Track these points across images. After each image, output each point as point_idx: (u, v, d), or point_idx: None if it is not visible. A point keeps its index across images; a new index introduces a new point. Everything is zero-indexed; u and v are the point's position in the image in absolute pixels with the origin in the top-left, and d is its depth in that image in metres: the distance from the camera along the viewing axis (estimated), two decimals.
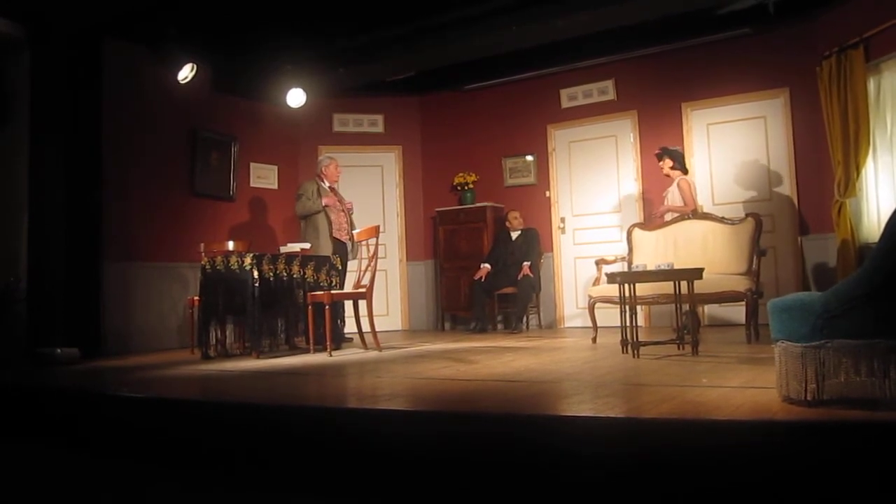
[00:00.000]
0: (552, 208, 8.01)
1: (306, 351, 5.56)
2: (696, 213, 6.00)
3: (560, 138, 8.04)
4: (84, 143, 6.05)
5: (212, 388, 4.04)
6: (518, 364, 4.34)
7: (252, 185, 7.85)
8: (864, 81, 5.85)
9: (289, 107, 7.39)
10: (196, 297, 5.79)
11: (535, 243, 7.61)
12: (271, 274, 5.41)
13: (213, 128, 7.38)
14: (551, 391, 3.30)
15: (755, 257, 5.44)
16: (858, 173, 5.89)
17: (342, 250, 6.47)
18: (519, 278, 7.38)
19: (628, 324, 4.60)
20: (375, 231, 5.66)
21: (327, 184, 6.63)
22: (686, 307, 4.84)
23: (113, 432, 3.47)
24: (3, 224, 6.15)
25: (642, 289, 4.88)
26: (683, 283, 4.57)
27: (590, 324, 5.79)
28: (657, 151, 6.33)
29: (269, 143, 8.01)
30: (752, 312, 5.14)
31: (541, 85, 8.06)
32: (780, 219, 6.83)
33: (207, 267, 5.53)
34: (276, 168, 8.10)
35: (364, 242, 5.84)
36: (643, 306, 6.19)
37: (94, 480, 3.06)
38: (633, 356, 4.40)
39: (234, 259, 5.39)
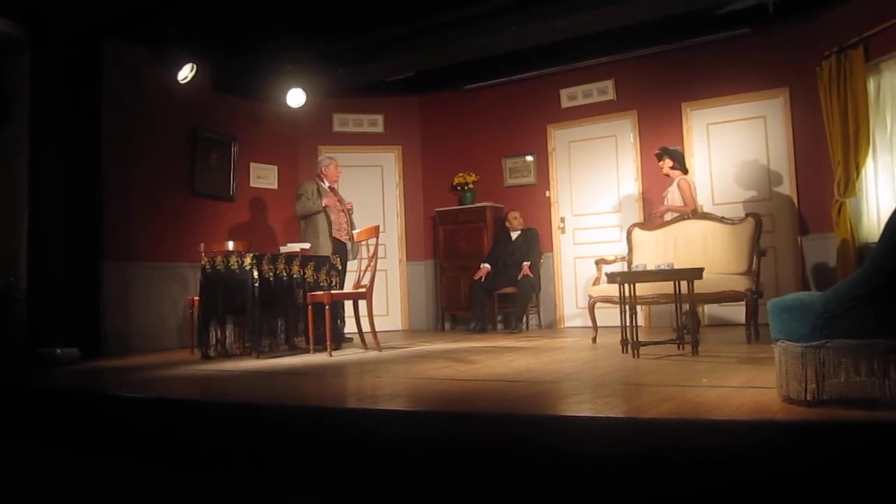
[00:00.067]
0: (552, 208, 8.01)
1: (306, 351, 5.56)
2: (695, 213, 6.00)
3: (560, 138, 8.04)
4: (84, 143, 6.06)
5: (212, 388, 4.04)
6: (518, 364, 4.34)
7: (252, 185, 7.85)
8: (864, 81, 5.85)
9: (289, 107, 7.39)
10: (196, 297, 5.79)
11: (535, 243, 7.61)
12: (271, 274, 5.41)
13: (213, 128, 7.38)
14: (551, 391, 3.30)
15: (755, 257, 5.44)
16: (858, 173, 5.89)
17: (342, 250, 6.48)
18: (519, 278, 7.38)
19: (628, 324, 4.60)
20: (375, 231, 5.66)
21: (327, 184, 6.63)
22: (686, 307, 4.84)
23: (113, 432, 3.47)
24: (3, 224, 6.15)
25: (642, 289, 4.88)
26: (683, 283, 4.57)
27: (590, 324, 5.79)
28: (657, 151, 6.33)
29: (269, 143, 8.01)
30: (751, 312, 5.14)
31: (541, 85, 8.06)
32: (780, 219, 6.83)
33: (207, 267, 5.53)
34: (276, 168, 8.10)
35: (364, 242, 5.84)
36: (643, 306, 6.19)
37: (94, 480, 3.06)
38: (633, 356, 4.40)
39: (234, 259, 5.39)
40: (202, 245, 6.45)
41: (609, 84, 7.70)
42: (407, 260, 8.64)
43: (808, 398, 2.40)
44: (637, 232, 6.16)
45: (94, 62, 6.19)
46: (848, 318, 2.35)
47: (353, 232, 6.34)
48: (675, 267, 4.78)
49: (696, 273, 4.51)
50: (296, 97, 7.29)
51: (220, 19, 6.27)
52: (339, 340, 5.90)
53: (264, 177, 7.99)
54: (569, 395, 3.15)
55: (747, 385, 3.04)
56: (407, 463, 2.61)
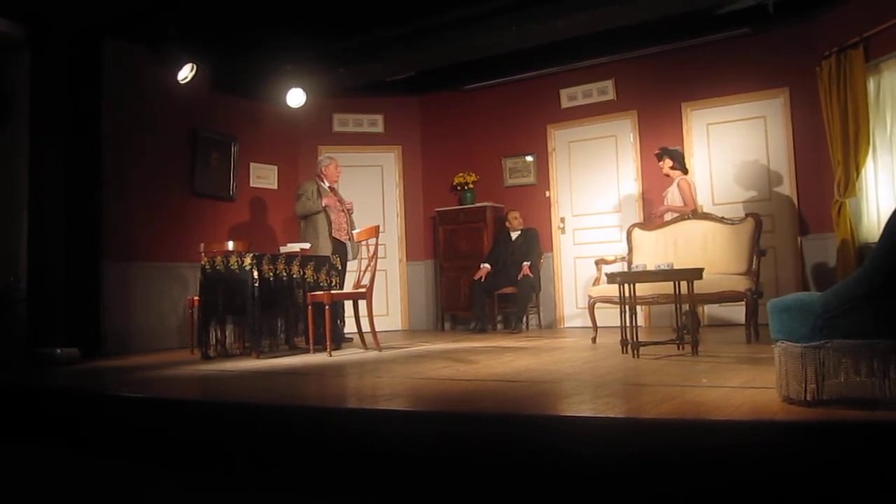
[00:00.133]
0: (552, 208, 8.01)
1: (306, 351, 5.56)
2: (695, 213, 6.00)
3: (560, 138, 8.04)
4: (84, 143, 6.06)
5: (212, 388, 4.04)
6: (518, 364, 4.34)
7: (252, 185, 7.85)
8: (864, 81, 5.85)
9: (289, 107, 7.39)
10: (196, 297, 5.79)
11: (535, 243, 7.61)
12: (271, 274, 5.41)
13: (213, 128, 7.38)
14: (551, 391, 3.30)
15: (755, 257, 5.44)
16: (858, 173, 5.89)
17: (342, 250, 6.47)
18: (519, 278, 7.38)
19: (628, 324, 4.60)
20: (375, 231, 5.66)
21: (327, 184, 6.63)
22: (686, 307, 4.84)
23: (113, 432, 3.47)
24: (3, 224, 6.15)
25: (642, 289, 4.88)
26: (683, 283, 4.57)
27: (590, 324, 5.79)
28: (657, 151, 6.33)
29: (269, 143, 8.01)
30: (751, 312, 5.14)
31: (541, 85, 8.06)
32: (780, 219, 6.83)
33: (207, 267, 5.53)
34: (275, 168, 8.10)
35: (364, 242, 5.84)
36: (643, 306, 6.19)
37: (94, 480, 3.06)
38: (633, 356, 4.40)
39: (233, 259, 5.39)
40: (202, 245, 6.45)
41: (609, 84, 7.70)
42: (407, 260, 8.64)
43: (808, 398, 2.40)
44: (637, 232, 6.16)
45: (94, 62, 6.19)
46: (848, 318, 2.35)
47: (353, 232, 6.34)
48: (675, 267, 4.78)
49: (696, 273, 4.51)
50: (296, 97, 7.29)
51: (220, 19, 6.27)
52: (339, 340, 5.90)
53: (264, 177, 7.99)
54: (569, 395, 3.15)
55: (747, 385, 3.04)
56: (407, 463, 2.61)
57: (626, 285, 4.66)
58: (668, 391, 2.96)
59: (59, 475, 3.17)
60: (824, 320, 2.39)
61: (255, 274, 5.26)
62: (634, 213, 7.47)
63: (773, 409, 2.44)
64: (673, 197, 6.13)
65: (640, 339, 4.56)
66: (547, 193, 8.05)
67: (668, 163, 6.17)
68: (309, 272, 5.72)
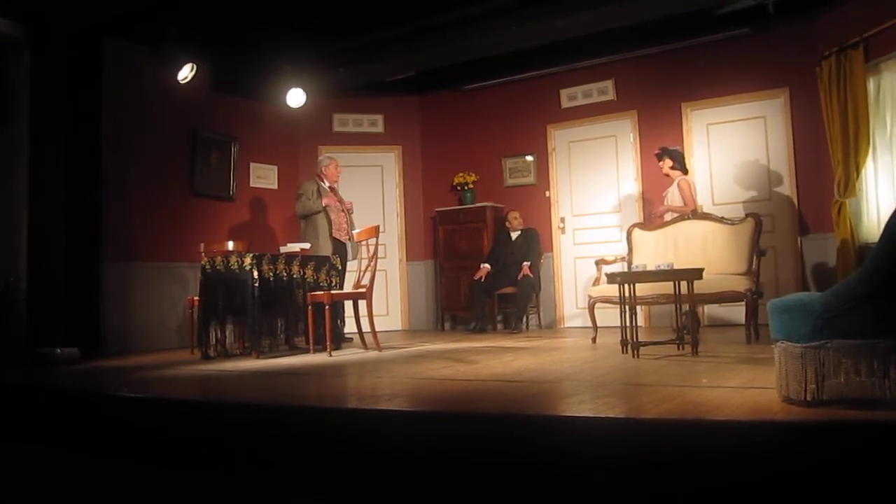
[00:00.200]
0: (552, 208, 8.01)
1: (306, 351, 5.56)
2: (695, 213, 6.00)
3: (560, 138, 8.04)
4: (84, 143, 6.05)
5: (212, 388, 4.04)
6: (518, 364, 4.34)
7: (252, 185, 7.85)
8: (864, 81, 5.85)
9: (289, 107, 7.39)
10: (196, 297, 5.79)
11: (535, 243, 7.61)
12: (271, 274, 5.41)
13: (213, 128, 7.38)
14: (551, 391, 3.30)
15: (755, 257, 5.44)
16: (858, 173, 5.89)
17: (342, 250, 6.47)
18: (519, 278, 7.38)
19: (628, 324, 4.60)
20: (375, 231, 5.66)
21: (327, 184, 6.63)
22: (686, 307, 4.84)
23: (113, 432, 3.47)
24: (3, 224, 6.15)
25: (642, 289, 4.88)
26: (683, 283, 4.57)
27: (590, 324, 5.79)
28: (657, 151, 6.33)
29: (269, 143, 8.01)
30: (751, 312, 5.14)
31: (541, 85, 8.06)
32: (780, 219, 6.83)
33: (207, 267, 5.53)
34: (276, 168, 8.10)
35: (364, 242, 5.84)
36: (643, 306, 6.20)
37: (94, 480, 3.06)
38: (633, 356, 4.40)
39: (234, 259, 5.39)
40: (202, 245, 6.45)
41: (609, 84, 7.70)
42: (407, 260, 8.64)
43: (808, 398, 2.40)
44: (637, 232, 6.16)
45: (94, 62, 6.19)
46: (848, 318, 2.35)
47: (353, 232, 6.34)
48: (675, 267, 4.78)
49: (696, 273, 4.51)
50: (296, 97, 7.29)
51: (220, 19, 6.27)
52: (339, 340, 5.90)
53: (264, 177, 7.99)
54: (569, 395, 3.15)
55: (747, 385, 3.04)
56: (407, 463, 2.61)
57: (626, 285, 4.66)
58: (668, 391, 2.96)
59: (59, 475, 3.17)
60: (824, 320, 2.39)
61: (255, 274, 5.26)
62: (634, 213, 7.47)
63: (773, 409, 2.44)
64: (673, 197, 6.13)
65: (640, 339, 4.57)
66: (547, 193, 8.05)
67: (668, 163, 6.17)
68: (309, 272, 5.72)
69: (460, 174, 8.32)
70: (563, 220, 7.95)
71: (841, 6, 6.24)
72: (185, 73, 6.48)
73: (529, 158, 8.15)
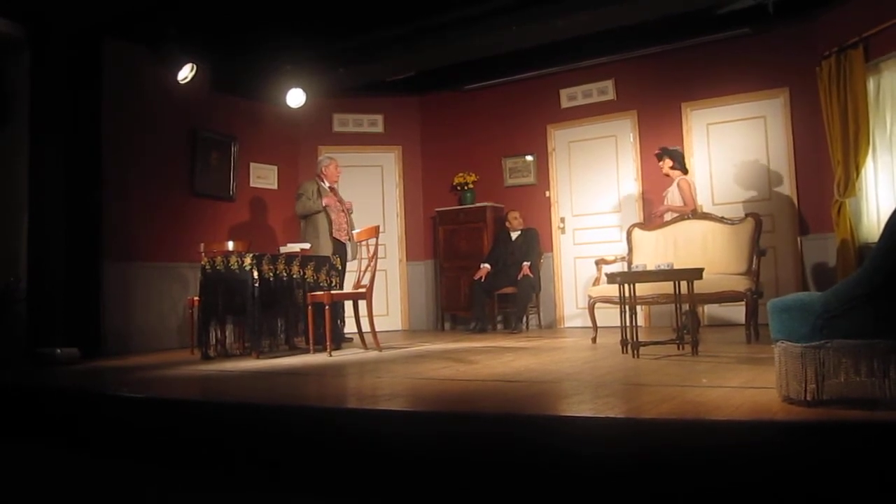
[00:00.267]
0: (552, 208, 8.01)
1: (306, 351, 5.56)
2: (695, 213, 6.00)
3: (560, 138, 8.04)
4: (84, 143, 6.05)
5: (212, 388, 4.04)
6: (518, 364, 4.34)
7: (252, 185, 7.85)
8: (864, 81, 5.85)
9: (289, 107, 7.39)
10: (196, 297, 5.79)
11: (535, 243, 7.61)
12: (271, 274, 5.41)
13: (213, 128, 7.39)
14: (551, 391, 3.30)
15: (755, 257, 5.44)
16: (858, 173, 5.89)
17: (342, 250, 6.48)
18: (519, 278, 7.38)
19: (628, 324, 4.60)
20: (375, 231, 5.66)
21: (327, 184, 6.63)
22: (686, 307, 4.84)
23: (113, 432, 3.47)
24: (3, 224, 6.15)
25: (642, 289, 4.88)
26: (683, 283, 4.57)
27: (590, 324, 5.79)
28: (657, 151, 6.33)
29: (269, 143, 8.01)
30: (751, 312, 5.14)
31: (541, 85, 8.06)
32: (780, 219, 6.83)
33: (207, 267, 5.53)
34: (275, 168, 8.10)
35: (364, 242, 5.84)
36: (643, 306, 6.20)
37: (94, 480, 3.06)
38: (633, 356, 4.40)
39: (233, 259, 5.39)
40: (202, 245, 6.45)
41: (609, 84, 7.70)
42: (407, 260, 8.64)
43: (808, 398, 2.40)
44: (637, 232, 6.16)
45: (94, 62, 6.19)
46: (848, 318, 2.35)
47: (353, 232, 6.34)
48: (675, 267, 4.78)
49: (696, 273, 4.51)
50: (296, 97, 7.29)
51: (220, 19, 6.27)
52: (339, 340, 5.90)
53: (264, 177, 7.99)
54: (569, 395, 3.15)
55: (747, 385, 3.04)
56: (407, 463, 2.61)
57: (626, 285, 4.66)
58: (668, 391, 2.96)
59: (59, 475, 3.17)
60: (824, 320, 2.39)
61: (255, 274, 5.26)
62: (634, 213, 7.47)
63: (773, 409, 2.44)
64: (673, 197, 6.13)
65: (640, 339, 4.56)
66: (547, 193, 8.05)
67: (667, 163, 6.17)
68: (309, 272, 5.72)
69: (460, 174, 8.32)
70: (563, 220, 7.95)
71: (841, 6, 6.24)
72: (185, 73, 6.48)
73: (529, 158, 8.15)
